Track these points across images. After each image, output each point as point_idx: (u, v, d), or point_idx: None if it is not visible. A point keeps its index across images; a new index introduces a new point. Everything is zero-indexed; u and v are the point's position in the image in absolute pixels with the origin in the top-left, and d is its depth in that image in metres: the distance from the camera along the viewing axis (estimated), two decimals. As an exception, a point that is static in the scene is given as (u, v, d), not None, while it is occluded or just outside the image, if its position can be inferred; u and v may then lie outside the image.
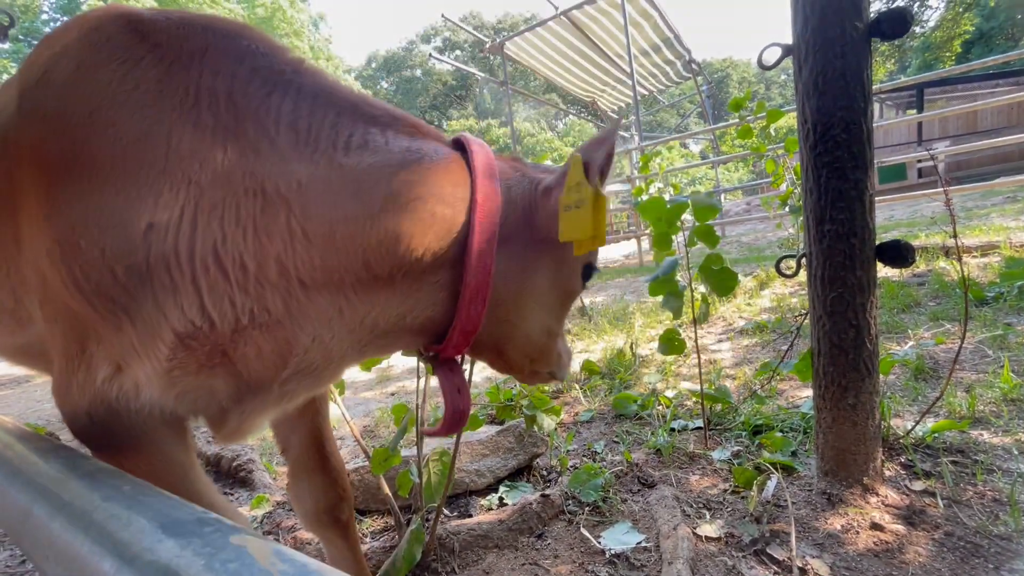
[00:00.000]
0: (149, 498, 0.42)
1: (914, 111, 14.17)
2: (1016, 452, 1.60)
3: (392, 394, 3.48)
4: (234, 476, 2.35)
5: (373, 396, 3.52)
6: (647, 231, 7.86)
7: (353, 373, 4.02)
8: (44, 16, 27.32)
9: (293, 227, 0.72)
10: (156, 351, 0.71)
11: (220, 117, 0.71)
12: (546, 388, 2.81)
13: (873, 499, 1.47)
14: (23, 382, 6.29)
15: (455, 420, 0.96)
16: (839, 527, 1.39)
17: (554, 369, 1.07)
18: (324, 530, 1.22)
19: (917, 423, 1.74)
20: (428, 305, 0.85)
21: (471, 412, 1.04)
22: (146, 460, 0.75)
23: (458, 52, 46.67)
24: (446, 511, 1.77)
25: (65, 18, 28.11)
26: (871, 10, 1.37)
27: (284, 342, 0.76)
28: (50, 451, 0.66)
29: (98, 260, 0.66)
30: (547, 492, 1.69)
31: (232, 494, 2.22)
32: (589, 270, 1.02)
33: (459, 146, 0.90)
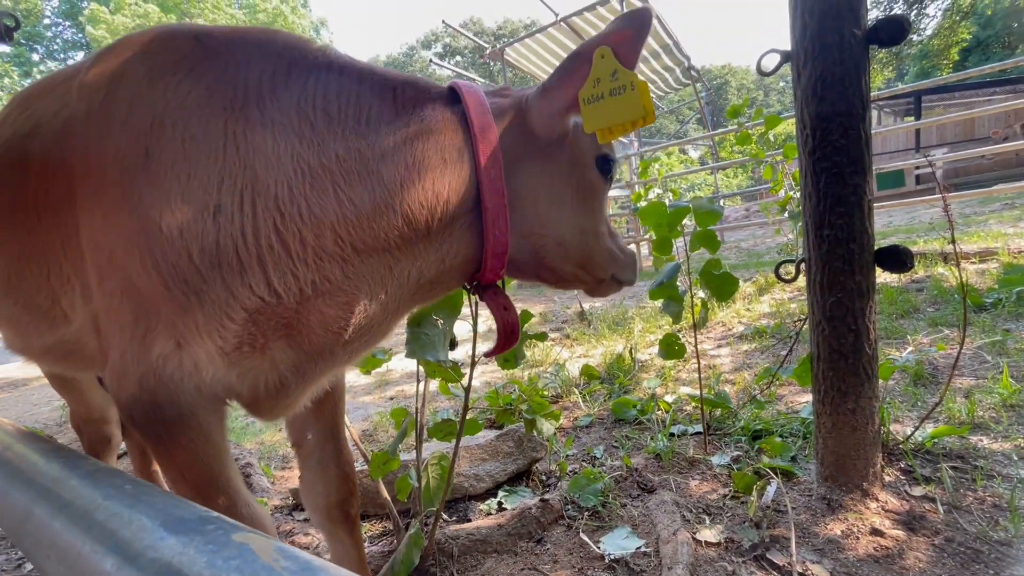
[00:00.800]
0: (151, 497, 0.42)
1: (912, 118, 14.24)
2: (1016, 458, 1.60)
3: (391, 398, 3.48)
4: (232, 480, 2.34)
5: (372, 400, 3.51)
6: (646, 236, 7.88)
7: (352, 377, 4.01)
8: (46, 20, 27.44)
9: (340, 198, 0.80)
10: (222, 329, 0.78)
11: (266, 110, 0.80)
12: (545, 393, 2.81)
13: (873, 504, 1.47)
14: (20, 385, 6.27)
15: (508, 335, 1.02)
16: (839, 532, 1.38)
17: (615, 272, 1.09)
18: (333, 525, 1.22)
19: (917, 428, 1.74)
20: (461, 245, 0.92)
21: (472, 416, 1.07)
22: (190, 439, 0.80)
23: (458, 58, 46.90)
24: (445, 515, 1.77)
25: (67, 22, 28.25)
26: (869, 17, 1.38)
27: (346, 306, 0.84)
28: (50, 452, 0.66)
29: (177, 242, 0.74)
30: (546, 497, 1.68)
31: (230, 498, 2.21)
32: (605, 161, 1.04)
33: (452, 92, 0.97)
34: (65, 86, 0.94)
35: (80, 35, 27.35)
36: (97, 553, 0.36)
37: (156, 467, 1.87)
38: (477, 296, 1.05)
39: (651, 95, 0.87)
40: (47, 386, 5.97)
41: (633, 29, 0.86)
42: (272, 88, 0.81)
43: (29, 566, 1.88)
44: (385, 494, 1.62)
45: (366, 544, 1.69)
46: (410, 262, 0.88)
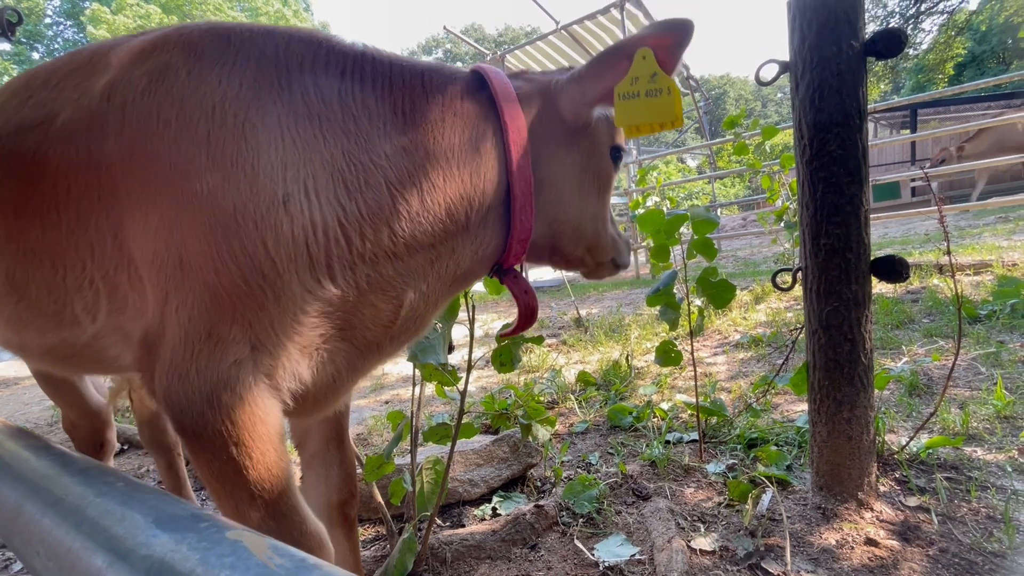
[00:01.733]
0: (144, 494, 0.42)
1: (908, 131, 14.36)
2: (1009, 469, 1.60)
3: (386, 402, 3.46)
4: (224, 482, 2.32)
5: (367, 404, 3.50)
6: (643, 244, 7.90)
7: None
8: (48, 20, 27.46)
9: (393, 193, 0.82)
10: (298, 326, 0.78)
11: (312, 104, 0.80)
12: (541, 398, 2.80)
13: (868, 514, 1.46)
14: (11, 384, 6.21)
15: (528, 316, 1.07)
16: (834, 542, 1.38)
17: (615, 256, 1.16)
18: (332, 527, 1.21)
19: (912, 439, 1.75)
20: (492, 235, 0.96)
21: (468, 420, 1.07)
22: (264, 454, 0.76)
23: (459, 63, 47.12)
24: (439, 521, 1.76)
25: (68, 22, 28.28)
26: (866, 30, 1.40)
27: (395, 300, 0.87)
28: (41, 449, 0.65)
29: (252, 233, 0.73)
30: (541, 503, 1.67)
31: (222, 500, 2.19)
32: (617, 151, 1.10)
33: (478, 77, 0.98)
34: (80, 77, 0.90)
35: (81, 35, 27.38)
36: (88, 550, 0.36)
37: (186, 484, 1.82)
38: (497, 278, 1.07)
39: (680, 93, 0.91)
40: (36, 386, 5.91)
41: (677, 37, 0.90)
42: (314, 81, 0.82)
43: (18, 565, 1.85)
44: (379, 498, 1.61)
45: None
46: (449, 255, 0.91)
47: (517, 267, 1.07)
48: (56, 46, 28.63)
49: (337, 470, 1.20)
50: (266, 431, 0.76)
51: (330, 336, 0.83)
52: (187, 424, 0.73)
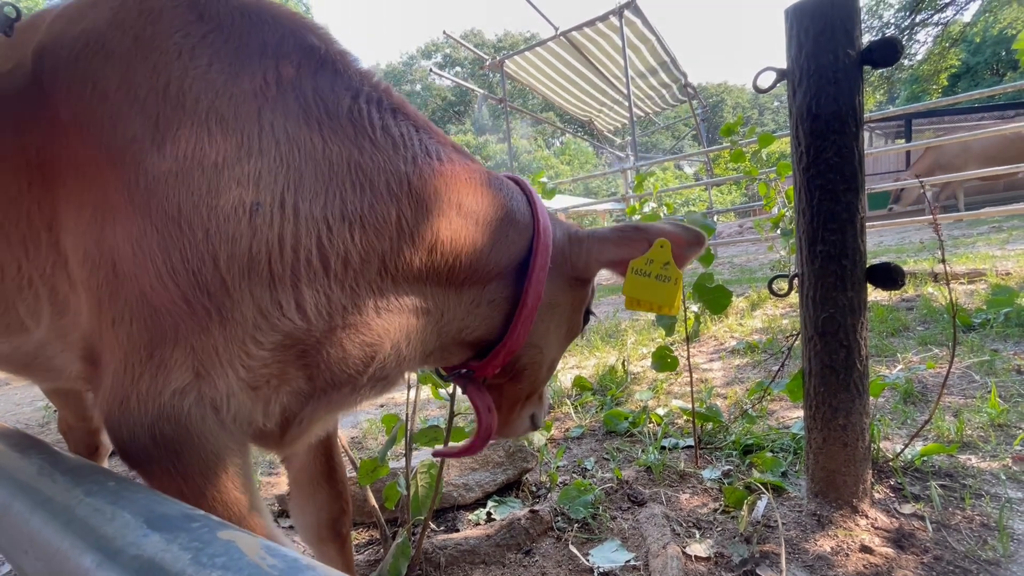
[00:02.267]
0: (134, 493, 0.41)
1: (902, 140, 14.49)
2: (1003, 477, 1.61)
3: (381, 406, 3.44)
4: (217, 485, 2.30)
5: (362, 407, 3.48)
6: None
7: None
8: (46, 19, 27.42)
9: (403, 227, 0.73)
10: (246, 354, 0.66)
11: (310, 109, 0.70)
12: (537, 403, 2.79)
13: (863, 521, 1.46)
14: (2, 384, 6.16)
15: (486, 437, 0.99)
16: (829, 549, 1.38)
17: (536, 411, 1.13)
18: (322, 544, 1.17)
19: (906, 446, 1.75)
20: (484, 321, 0.89)
21: (460, 425, 1.05)
22: (219, 490, 0.66)
23: (458, 68, 47.32)
24: (433, 525, 1.74)
25: (67, 22, 28.19)
26: (862, 40, 1.41)
27: (368, 348, 0.75)
28: (30, 447, 0.64)
29: (201, 244, 0.62)
30: (536, 508, 1.67)
31: (214, 503, 2.17)
32: (588, 314, 1.11)
33: (513, 178, 0.98)
34: (10, 44, 0.77)
35: (80, 34, 27.31)
36: (76, 549, 0.35)
37: None
38: (459, 386, 1.01)
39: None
40: (31, 385, 5.87)
41: (693, 241, 0.97)
42: (315, 86, 0.71)
43: (5, 568, 1.83)
44: (373, 502, 1.60)
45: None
46: (438, 317, 0.83)
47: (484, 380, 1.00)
48: (54, 45, 28.56)
49: (326, 487, 1.14)
50: (220, 467, 0.66)
51: (290, 375, 0.71)
52: (132, 455, 0.64)
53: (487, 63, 11.08)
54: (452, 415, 1.45)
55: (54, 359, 0.81)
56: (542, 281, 0.88)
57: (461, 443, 1.02)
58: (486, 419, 0.97)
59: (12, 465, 0.58)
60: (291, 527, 1.88)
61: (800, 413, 2.17)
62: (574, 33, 9.73)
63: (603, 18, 9.17)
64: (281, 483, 2.36)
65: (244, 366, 0.66)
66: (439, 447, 1.16)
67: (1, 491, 0.51)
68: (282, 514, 1.97)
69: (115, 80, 0.64)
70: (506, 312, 0.90)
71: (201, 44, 0.67)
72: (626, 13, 8.92)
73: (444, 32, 11.84)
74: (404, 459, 1.53)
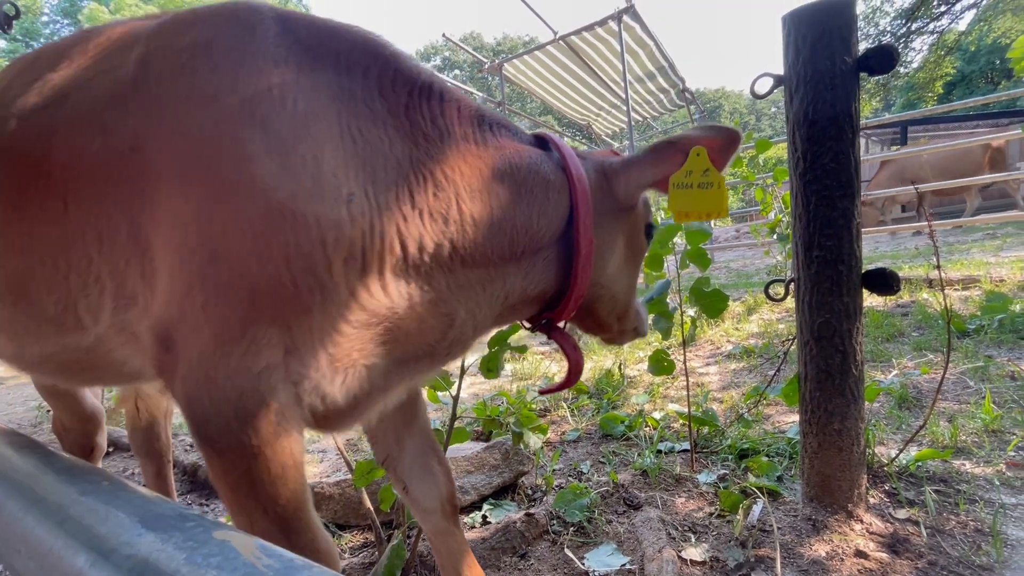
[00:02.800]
0: (129, 493, 0.41)
1: (898, 147, 14.58)
2: (997, 483, 1.61)
3: (377, 407, 3.43)
4: (211, 486, 2.29)
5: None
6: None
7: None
8: (44, 18, 27.36)
9: (463, 210, 0.82)
10: (337, 333, 0.73)
11: (376, 109, 0.78)
12: (533, 406, 2.79)
13: (858, 526, 1.47)
14: (-5, 384, 6.10)
15: (577, 373, 1.11)
16: (824, 554, 1.38)
17: (637, 325, 1.22)
18: (447, 522, 1.20)
19: (901, 451, 1.75)
20: (543, 278, 0.97)
21: (460, 426, 1.08)
22: (283, 465, 0.71)
23: (457, 71, 47.41)
24: (428, 528, 1.74)
25: (66, 21, 28.19)
26: (859, 47, 1.42)
27: (446, 316, 0.84)
28: (25, 446, 0.64)
29: (313, 231, 0.68)
30: (531, 511, 1.66)
31: (208, 505, 2.16)
32: (650, 229, 1.17)
33: (540, 140, 1.03)
34: (97, 54, 0.83)
35: (78, 33, 27.29)
36: (70, 549, 0.35)
37: (174, 492, 1.79)
38: (544, 333, 1.11)
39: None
40: (24, 385, 5.84)
41: (726, 142, 0.99)
42: (379, 88, 0.80)
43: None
44: (368, 504, 1.59)
45: (346, 556, 1.65)
46: (502, 283, 0.91)
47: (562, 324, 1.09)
48: (52, 44, 28.50)
49: (439, 467, 1.20)
50: (288, 445, 0.71)
51: (369, 350, 0.79)
52: (209, 431, 0.68)
53: (486, 66, 11.11)
54: (454, 417, 1.45)
55: (112, 353, 0.84)
56: (589, 229, 0.95)
57: (560, 380, 1.14)
58: (573, 356, 1.08)
59: (5, 464, 0.58)
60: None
61: (796, 417, 2.18)
62: (573, 37, 9.76)
63: (602, 23, 9.21)
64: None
65: (334, 343, 0.73)
66: (543, 386, 1.22)
67: (-6, 490, 0.50)
68: (276, 516, 1.96)
69: (224, 85, 0.72)
70: (563, 265, 0.97)
71: (290, 54, 0.76)
72: (625, 18, 8.96)
73: (443, 35, 11.85)
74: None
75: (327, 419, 0.82)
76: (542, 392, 1.24)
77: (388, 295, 0.76)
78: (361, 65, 0.80)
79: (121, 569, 0.31)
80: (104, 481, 0.44)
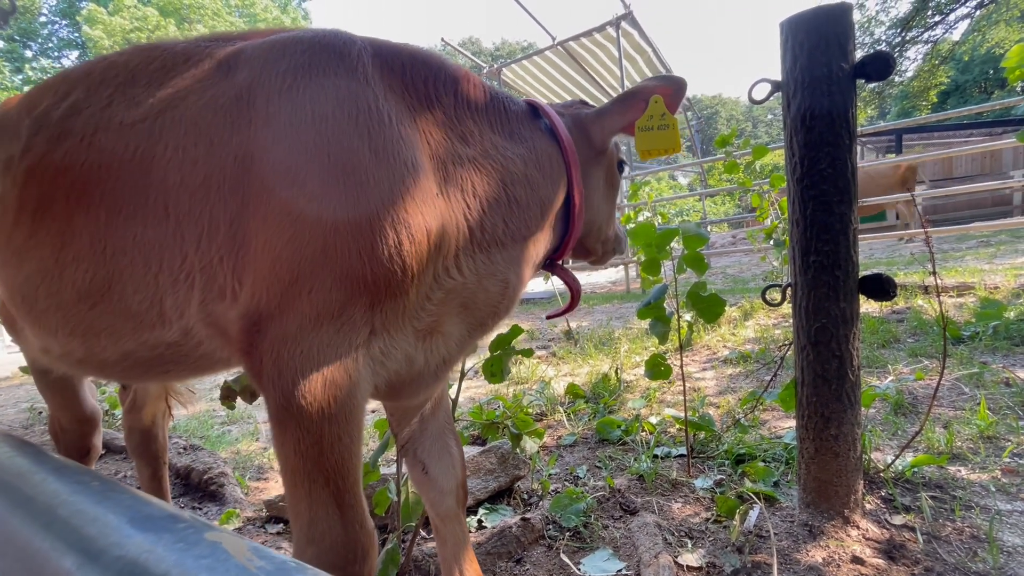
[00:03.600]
0: (119, 494, 0.40)
1: (893, 155, 14.69)
2: (993, 489, 1.62)
3: (373, 411, 3.41)
4: (204, 490, 2.27)
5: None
6: (634, 259, 7.94)
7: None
8: (43, 18, 27.30)
9: (510, 194, 0.98)
10: (421, 310, 0.87)
11: (439, 117, 0.94)
12: (530, 410, 2.78)
13: (854, 532, 1.46)
14: (-13, 385, 6.05)
15: (578, 298, 1.30)
16: (820, 560, 1.38)
17: (616, 245, 1.41)
18: (457, 507, 1.24)
19: (897, 457, 1.75)
20: (558, 232, 1.16)
21: (457, 429, 1.22)
22: (351, 435, 0.80)
23: (455, 76, 47.48)
24: (423, 532, 1.72)
25: (64, 21, 28.14)
26: (856, 54, 1.43)
27: (503, 283, 1.00)
28: (13, 447, 0.63)
29: (412, 226, 0.81)
30: (527, 516, 1.65)
31: (201, 508, 2.14)
32: (621, 164, 1.36)
33: (532, 107, 1.17)
34: (187, 74, 0.92)
35: (76, 34, 27.22)
36: (57, 550, 0.34)
37: (168, 495, 1.80)
38: (547, 271, 1.28)
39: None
40: (15, 387, 5.78)
41: (676, 88, 1.18)
42: (454, 103, 0.97)
43: None
44: (362, 508, 1.58)
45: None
46: (534, 246, 1.07)
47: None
48: (50, 45, 28.42)
49: (457, 449, 1.27)
50: (359, 417, 0.82)
51: (447, 321, 0.93)
52: (293, 400, 0.76)
53: (485, 71, 11.14)
54: (452, 419, 1.44)
55: (202, 345, 0.92)
56: (580, 181, 1.13)
57: (565, 305, 1.32)
58: (574, 286, 1.28)
59: (-7, 465, 0.57)
60: (278, 533, 1.85)
61: (792, 423, 2.17)
62: (571, 43, 9.81)
63: (600, 29, 9.26)
64: (268, 488, 2.33)
65: (417, 318, 0.88)
66: (551, 310, 1.41)
67: (-20, 491, 0.49)
68: (269, 520, 1.94)
69: (329, 103, 0.83)
70: (564, 215, 1.15)
71: (384, 76, 0.90)
72: (623, 24, 9.01)
73: (442, 39, 11.89)
74: (395, 465, 1.51)
75: (409, 386, 0.97)
76: (549, 316, 1.41)
77: (462, 273, 0.91)
78: (440, 87, 0.97)
79: (110, 571, 0.30)
80: (94, 482, 0.44)
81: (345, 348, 0.78)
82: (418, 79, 0.94)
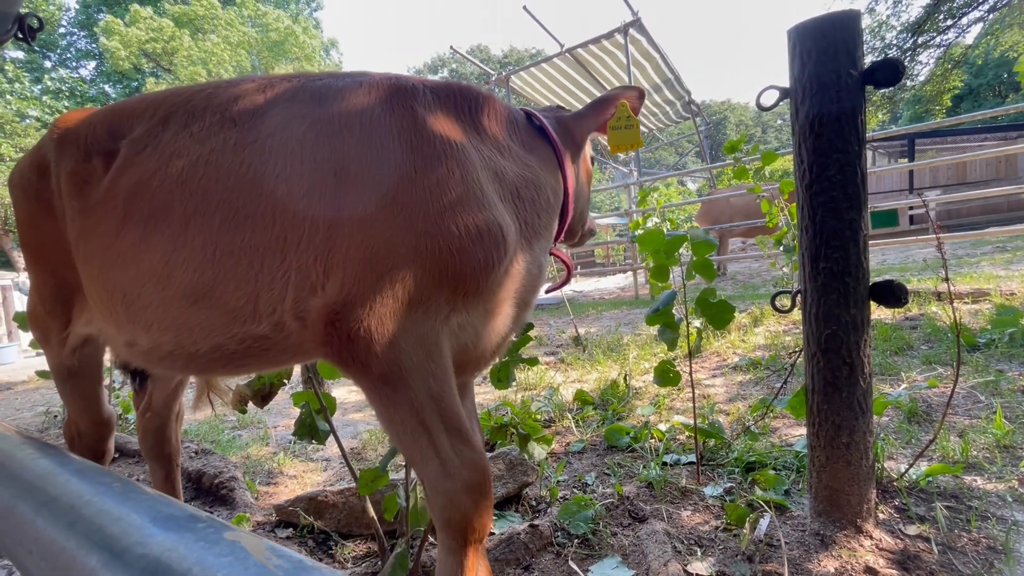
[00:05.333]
0: (140, 494, 0.41)
1: (905, 160, 14.55)
2: (1010, 499, 1.59)
3: (381, 416, 3.43)
4: (215, 493, 2.29)
5: (362, 418, 3.47)
6: (643, 264, 7.91)
7: (342, 394, 3.96)
8: (61, 30, 27.93)
9: (536, 197, 1.18)
10: (492, 293, 1.05)
11: (489, 145, 1.14)
12: (538, 416, 2.78)
13: (867, 542, 1.44)
14: (4, 389, 6.16)
15: (571, 271, 1.57)
16: (832, 570, 1.36)
17: (591, 226, 1.66)
18: None
19: (911, 466, 1.73)
20: (559, 219, 1.35)
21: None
22: (451, 380, 0.99)
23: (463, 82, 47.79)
24: (432, 538, 1.72)
25: (82, 32, 28.75)
26: (865, 61, 1.43)
27: (540, 267, 1.21)
28: (36, 449, 0.64)
29: (486, 230, 0.99)
30: (536, 522, 1.65)
31: (212, 511, 2.16)
32: (592, 159, 1.63)
33: (526, 114, 1.35)
34: (294, 106, 1.08)
35: (93, 45, 27.80)
36: (82, 549, 0.35)
37: (181, 496, 1.85)
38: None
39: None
40: (31, 391, 5.88)
41: (637, 95, 1.41)
42: (487, 126, 1.16)
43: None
44: (372, 513, 1.59)
45: (349, 565, 1.65)
46: (551, 233, 1.28)
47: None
48: (68, 56, 29.05)
49: (479, 435, 1.38)
50: (450, 370, 0.99)
51: (507, 301, 1.11)
52: (399, 369, 0.92)
53: (493, 78, 11.22)
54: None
55: (289, 338, 1.03)
56: (570, 175, 1.34)
57: (561, 279, 1.60)
58: (569, 261, 1.53)
59: (18, 466, 0.58)
60: (288, 538, 1.86)
61: (803, 431, 2.15)
62: (579, 50, 9.86)
63: (608, 35, 9.30)
64: (278, 493, 2.34)
65: (489, 302, 1.06)
66: (551, 283, 1.60)
67: (6, 491, 0.51)
68: (279, 525, 1.95)
69: (407, 128, 1.02)
70: (561, 203, 1.33)
71: (438, 106, 1.10)
72: (631, 31, 9.05)
73: (451, 47, 11.99)
74: (404, 470, 1.52)
75: (478, 358, 1.15)
76: (548, 290, 1.56)
77: (519, 262, 1.11)
78: (476, 113, 1.16)
79: (133, 568, 0.31)
80: (115, 483, 0.45)
81: (432, 322, 0.96)
82: (463, 106, 1.15)
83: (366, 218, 0.94)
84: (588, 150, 1.54)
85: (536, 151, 1.25)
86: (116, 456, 2.99)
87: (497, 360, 1.29)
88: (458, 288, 0.97)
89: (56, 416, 3.98)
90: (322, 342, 0.96)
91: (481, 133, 1.14)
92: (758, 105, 1.57)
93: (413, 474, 1.54)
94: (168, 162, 1.08)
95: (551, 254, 1.41)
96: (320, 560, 1.75)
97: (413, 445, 0.96)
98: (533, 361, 1.66)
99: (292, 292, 0.98)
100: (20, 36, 1.66)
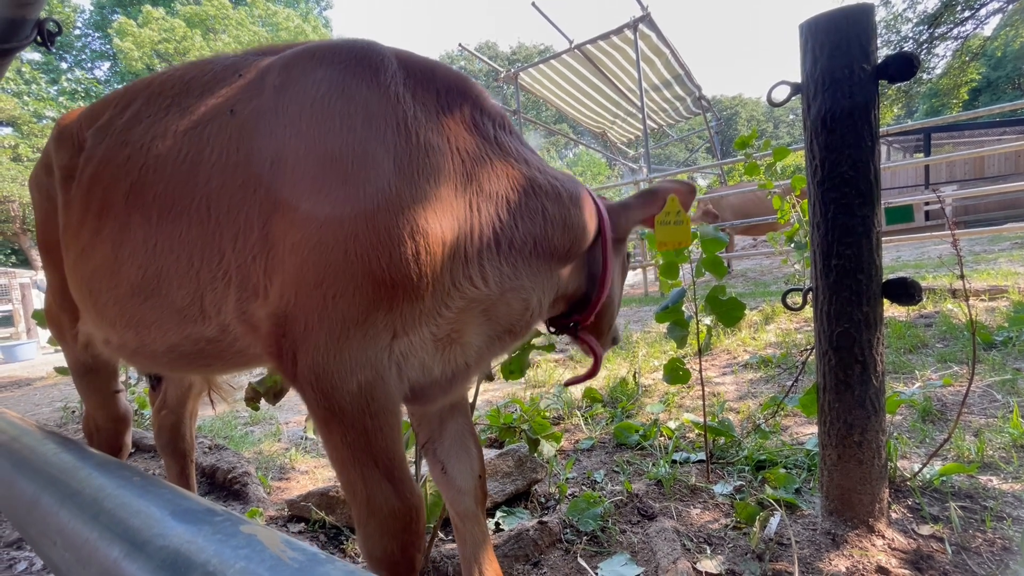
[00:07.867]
0: (159, 488, 0.43)
1: (921, 155, 14.30)
2: (1026, 499, 1.56)
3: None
4: (228, 488, 2.33)
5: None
6: (653, 262, 7.88)
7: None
8: (76, 31, 28.34)
9: (547, 215, 1.00)
10: (439, 316, 0.89)
11: (476, 138, 0.97)
12: (547, 414, 2.79)
13: (879, 541, 1.43)
14: (24, 385, 6.30)
15: (599, 364, 1.30)
16: (843, 569, 1.35)
17: (616, 334, 1.44)
18: (476, 506, 1.27)
19: (925, 465, 1.71)
20: (578, 279, 1.16)
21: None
22: (391, 425, 0.87)
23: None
24: (441, 534, 1.74)
25: (96, 34, 29.16)
26: (879, 54, 1.41)
27: (524, 301, 1.01)
28: (59, 444, 0.66)
29: (432, 235, 0.83)
30: (545, 519, 1.66)
31: (226, 506, 2.19)
32: (628, 257, 1.46)
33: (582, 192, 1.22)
34: (232, 84, 0.98)
35: (107, 46, 28.19)
36: (104, 540, 0.36)
37: (195, 490, 1.87)
38: (570, 335, 1.28)
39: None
40: (50, 387, 5.99)
41: (688, 192, 1.29)
42: (472, 118, 0.99)
43: (21, 566, 1.86)
44: (382, 508, 1.60)
45: (357, 562, 1.66)
46: (556, 280, 1.08)
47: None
48: (83, 56, 29.49)
49: (476, 449, 1.28)
50: (394, 406, 0.87)
51: (466, 330, 0.95)
52: (333, 402, 0.82)
53: (502, 75, 11.20)
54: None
55: (237, 342, 0.96)
56: (610, 249, 1.18)
57: (585, 371, 1.33)
58: (598, 349, 1.27)
59: (41, 460, 0.60)
60: (300, 532, 1.88)
61: (814, 429, 2.14)
62: (588, 46, 9.81)
63: (618, 31, 9.24)
64: (290, 488, 2.37)
65: (436, 324, 0.89)
66: (570, 377, 1.43)
67: (31, 484, 0.53)
68: (291, 519, 1.98)
69: (358, 114, 0.86)
70: (590, 272, 1.18)
71: (408, 89, 0.92)
72: (640, 26, 8.98)
73: (459, 44, 11.99)
74: (413, 467, 1.54)
75: (426, 392, 0.99)
76: (567, 384, 1.42)
77: (487, 284, 0.92)
78: (458, 102, 0.98)
79: (154, 560, 0.32)
80: (136, 477, 0.46)
81: (373, 352, 0.83)
82: (442, 91, 0.97)
83: (299, 216, 0.82)
84: (625, 247, 1.38)
85: (552, 173, 1.10)
86: (133, 451, 3.05)
87: (455, 394, 1.12)
88: (393, 302, 0.83)
89: (74, 412, 4.06)
90: (273, 355, 0.88)
91: (462, 123, 0.97)
92: (769, 101, 1.56)
93: (423, 469, 1.56)
94: (117, 151, 1.03)
95: (579, 340, 1.26)
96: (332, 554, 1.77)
97: (343, 473, 0.89)
98: (550, 347, 1.66)
99: (234, 293, 0.90)
100: (39, 41, 1.70)
